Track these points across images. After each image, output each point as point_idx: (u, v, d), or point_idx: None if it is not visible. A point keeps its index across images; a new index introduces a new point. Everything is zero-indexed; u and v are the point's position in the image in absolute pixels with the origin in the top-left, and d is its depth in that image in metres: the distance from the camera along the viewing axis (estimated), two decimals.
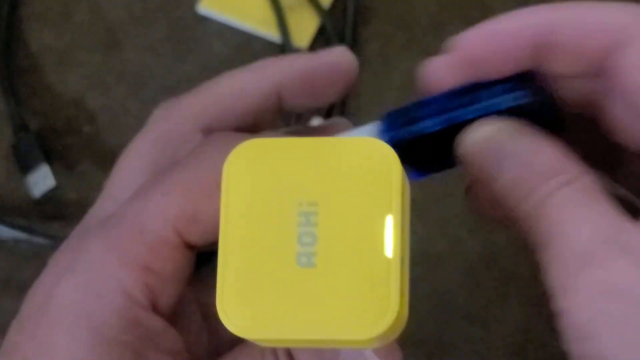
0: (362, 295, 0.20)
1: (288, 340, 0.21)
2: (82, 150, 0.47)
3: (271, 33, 0.49)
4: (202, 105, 0.27)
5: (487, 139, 0.23)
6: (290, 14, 0.49)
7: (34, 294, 0.24)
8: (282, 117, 0.29)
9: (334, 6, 0.50)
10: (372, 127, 0.26)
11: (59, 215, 0.45)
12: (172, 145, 0.26)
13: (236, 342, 0.24)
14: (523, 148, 0.22)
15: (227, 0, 0.50)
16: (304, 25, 0.49)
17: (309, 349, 0.23)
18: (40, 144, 0.46)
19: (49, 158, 0.46)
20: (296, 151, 0.21)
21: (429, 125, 0.25)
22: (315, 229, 0.20)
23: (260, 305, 0.20)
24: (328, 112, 0.47)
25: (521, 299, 0.44)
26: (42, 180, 0.46)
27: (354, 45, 0.48)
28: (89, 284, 0.23)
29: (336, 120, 0.29)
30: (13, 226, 0.43)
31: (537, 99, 0.24)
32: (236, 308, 0.20)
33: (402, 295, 0.20)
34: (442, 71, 0.25)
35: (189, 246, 0.24)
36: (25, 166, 0.46)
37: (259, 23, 0.49)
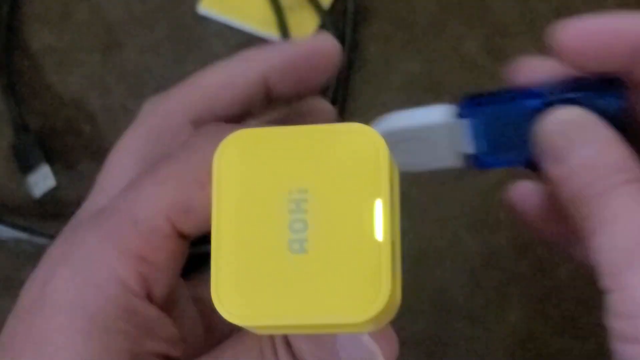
0: (354, 279, 0.20)
1: (283, 327, 0.21)
2: (82, 150, 0.47)
3: (271, 33, 0.49)
4: (191, 98, 0.27)
5: (570, 121, 0.25)
6: (290, 14, 0.49)
7: (29, 288, 0.24)
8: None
9: (334, 6, 0.50)
10: (445, 107, 0.27)
11: (59, 215, 0.45)
12: (162, 139, 0.27)
13: (232, 334, 0.24)
14: (600, 139, 0.24)
15: (227, 1, 0.50)
16: (304, 25, 0.49)
17: (305, 335, 0.23)
18: (41, 144, 0.46)
19: (49, 158, 0.46)
20: (285, 140, 0.21)
21: (526, 105, 0.26)
22: (306, 216, 0.21)
23: (255, 293, 0.21)
24: None
25: (521, 299, 0.44)
26: (42, 180, 0.46)
27: (354, 45, 0.49)
28: (84, 273, 0.24)
29: (315, 101, 0.30)
30: (13, 226, 0.44)
31: (626, 105, 0.25)
32: (231, 296, 0.21)
33: (393, 277, 0.20)
34: (534, 65, 0.26)
35: (182, 236, 0.24)
36: (26, 166, 0.46)
37: (259, 23, 0.49)
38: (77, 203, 0.27)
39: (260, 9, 0.49)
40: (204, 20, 0.50)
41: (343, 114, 0.47)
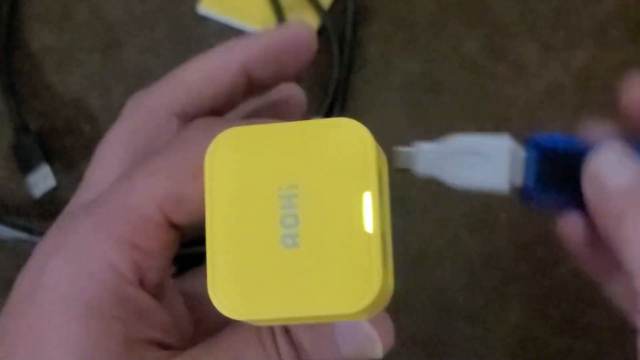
0: (347, 271, 0.21)
1: (279, 319, 0.22)
2: (82, 150, 0.47)
3: None
4: (174, 92, 0.28)
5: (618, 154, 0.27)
6: (290, 14, 0.49)
7: (22, 280, 0.25)
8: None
9: (334, 6, 0.50)
10: (512, 139, 0.29)
11: (59, 215, 0.45)
12: (148, 133, 0.27)
13: (221, 327, 0.25)
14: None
15: (227, 1, 0.50)
16: None
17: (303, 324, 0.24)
18: (41, 144, 0.46)
19: (49, 158, 0.46)
20: (275, 136, 0.22)
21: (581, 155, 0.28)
22: (297, 211, 0.21)
23: (250, 288, 0.21)
24: (328, 112, 0.47)
25: (521, 299, 0.44)
26: (42, 180, 0.46)
27: (354, 45, 0.49)
28: (77, 261, 0.24)
29: (287, 87, 0.30)
30: (13, 226, 0.43)
31: None
32: (226, 292, 0.21)
33: (385, 267, 0.21)
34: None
35: (174, 226, 0.25)
36: (26, 166, 0.46)
37: (259, 23, 0.49)
38: None
39: (260, 9, 0.49)
40: (204, 20, 0.50)
41: (343, 114, 0.47)
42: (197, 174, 0.23)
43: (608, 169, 0.27)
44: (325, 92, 0.47)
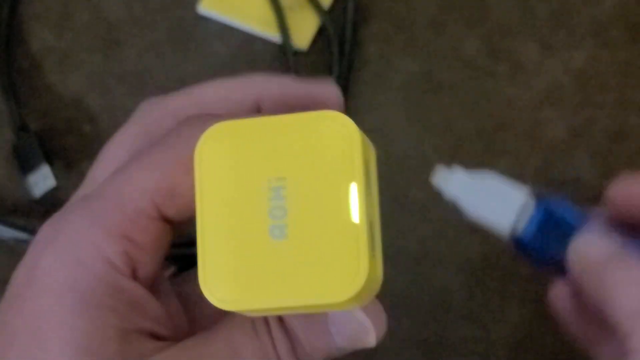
0: (334, 261, 0.21)
1: (269, 309, 0.22)
2: (82, 150, 0.47)
3: (271, 33, 0.49)
4: (187, 105, 0.28)
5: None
6: (290, 14, 0.49)
7: (18, 273, 0.25)
8: None
9: (334, 6, 0.50)
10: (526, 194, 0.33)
11: None
12: (153, 139, 0.27)
13: (213, 327, 0.25)
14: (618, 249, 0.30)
15: (227, 1, 0.50)
16: (304, 25, 0.49)
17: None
18: (41, 144, 0.46)
19: (49, 158, 0.46)
20: (263, 130, 0.22)
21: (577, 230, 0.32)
22: (285, 203, 0.22)
23: (240, 279, 0.22)
24: None
25: (521, 299, 0.44)
26: (42, 180, 0.46)
27: (354, 45, 0.49)
28: (71, 253, 0.24)
29: (322, 86, 0.30)
30: (13, 226, 0.44)
31: None
32: (217, 284, 0.22)
33: (372, 256, 0.21)
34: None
35: (167, 220, 0.25)
36: (26, 166, 0.46)
37: (259, 23, 0.49)
38: None
39: (260, 9, 0.50)
40: (204, 20, 0.50)
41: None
42: (190, 168, 0.23)
43: (591, 242, 0.31)
44: None
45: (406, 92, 0.48)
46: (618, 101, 0.47)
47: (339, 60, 0.48)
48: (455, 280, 0.44)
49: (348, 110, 0.47)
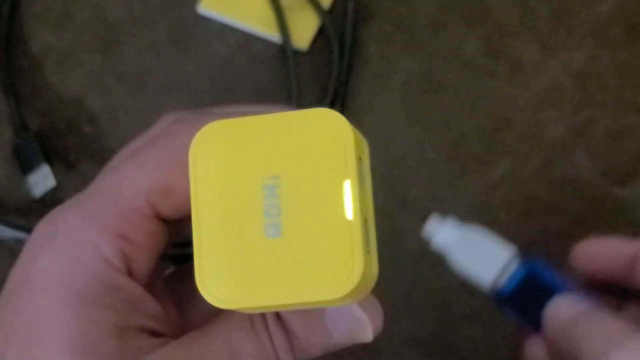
0: (329, 258, 0.21)
1: (265, 307, 0.22)
2: (82, 150, 0.47)
3: (271, 33, 0.49)
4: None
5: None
6: (290, 14, 0.49)
7: (14, 271, 0.25)
8: None
9: (334, 6, 0.50)
10: (512, 252, 0.37)
11: None
12: (149, 139, 0.27)
13: (207, 325, 0.25)
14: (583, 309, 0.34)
15: (227, 1, 0.50)
16: (304, 25, 0.49)
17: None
18: (41, 144, 0.46)
19: (49, 158, 0.46)
20: (257, 128, 0.22)
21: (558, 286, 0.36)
22: (280, 201, 0.22)
23: (236, 278, 0.22)
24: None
25: None
26: (42, 180, 0.46)
27: (354, 45, 0.49)
28: (67, 251, 0.24)
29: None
30: (13, 226, 0.44)
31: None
32: (214, 282, 0.22)
33: (366, 253, 0.21)
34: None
35: (162, 218, 0.25)
36: (26, 166, 0.46)
37: (259, 23, 0.49)
38: None
39: (260, 9, 0.50)
40: (204, 20, 0.50)
41: (343, 114, 0.47)
42: (185, 166, 0.23)
43: (565, 304, 0.34)
44: (325, 92, 0.47)
45: (406, 92, 0.48)
46: (618, 101, 0.47)
47: (339, 60, 0.48)
48: (455, 280, 0.44)
49: (348, 110, 0.47)
